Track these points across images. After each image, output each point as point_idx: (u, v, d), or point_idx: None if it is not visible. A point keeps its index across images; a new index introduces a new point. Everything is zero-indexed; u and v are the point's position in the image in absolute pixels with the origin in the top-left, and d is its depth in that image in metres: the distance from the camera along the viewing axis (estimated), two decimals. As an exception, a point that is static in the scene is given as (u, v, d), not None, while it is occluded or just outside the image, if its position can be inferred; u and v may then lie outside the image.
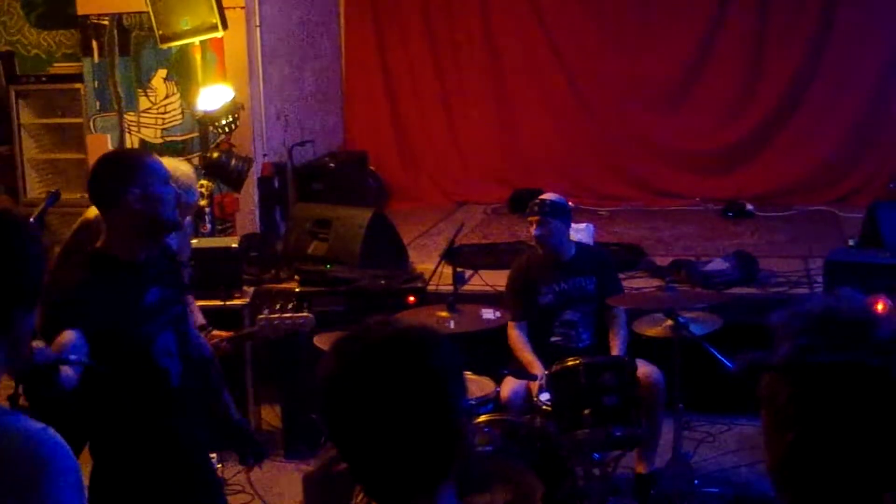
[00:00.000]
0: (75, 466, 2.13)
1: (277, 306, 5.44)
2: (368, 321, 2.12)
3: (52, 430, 2.15)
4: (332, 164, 9.81)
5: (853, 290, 1.90)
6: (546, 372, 5.76)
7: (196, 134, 8.56)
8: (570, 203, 6.62)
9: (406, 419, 1.99)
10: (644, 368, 5.78)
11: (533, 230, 6.24)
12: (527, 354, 6.15)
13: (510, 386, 5.95)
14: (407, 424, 1.99)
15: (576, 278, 6.28)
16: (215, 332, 5.43)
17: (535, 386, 5.89)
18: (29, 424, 2.14)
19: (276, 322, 5.33)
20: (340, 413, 2.03)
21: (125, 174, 3.74)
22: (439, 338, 2.11)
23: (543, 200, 6.27)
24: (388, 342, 2.04)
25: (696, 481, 5.87)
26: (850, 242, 8.09)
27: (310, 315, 5.40)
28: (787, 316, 1.87)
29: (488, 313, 5.72)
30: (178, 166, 5.27)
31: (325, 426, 2.07)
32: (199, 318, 5.54)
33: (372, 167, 10.75)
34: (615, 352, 6.12)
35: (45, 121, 9.34)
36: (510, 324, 6.16)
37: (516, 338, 6.21)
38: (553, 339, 6.24)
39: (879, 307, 5.69)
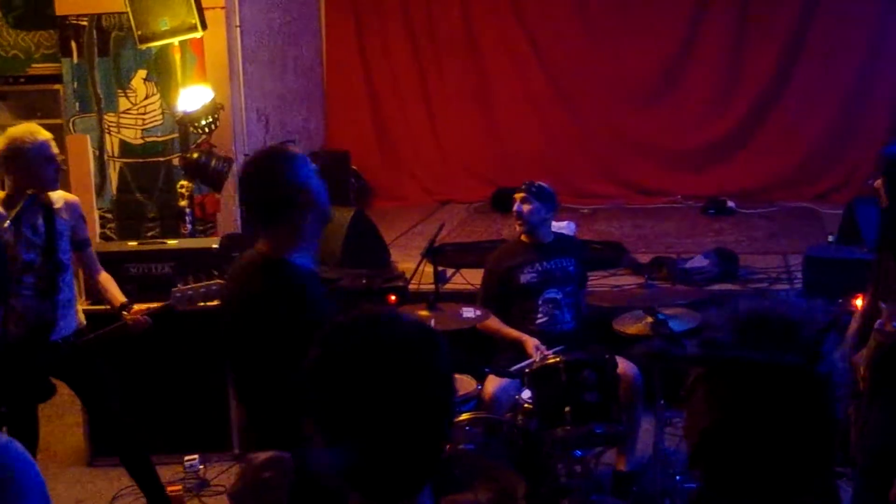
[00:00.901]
0: (40, 479, 2.12)
1: (190, 278, 5.51)
2: (362, 312, 2.05)
3: (16, 444, 2.12)
4: (313, 164, 9.78)
5: (795, 294, 1.97)
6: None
7: (176, 135, 8.55)
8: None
9: (406, 418, 1.95)
10: (621, 366, 5.79)
11: (515, 206, 6.32)
12: (511, 331, 6.18)
13: (494, 384, 5.95)
14: (406, 424, 1.95)
15: (557, 258, 6.35)
16: (136, 307, 5.50)
17: (531, 344, 5.99)
18: None
19: (189, 293, 5.38)
20: (328, 408, 1.97)
21: (297, 172, 3.45)
22: (430, 332, 2.06)
23: (532, 181, 6.41)
24: (394, 342, 1.99)
25: (678, 477, 5.87)
26: (830, 238, 8.12)
27: (221, 281, 5.43)
28: (717, 314, 1.92)
29: (469, 312, 5.72)
30: (30, 129, 5.34)
31: (314, 419, 1.99)
32: (120, 296, 5.60)
33: (354, 167, 10.74)
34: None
35: (24, 122, 9.27)
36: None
37: (495, 321, 6.20)
38: (538, 319, 6.24)
39: (858, 303, 5.73)
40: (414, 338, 2.02)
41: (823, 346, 1.85)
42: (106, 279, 5.69)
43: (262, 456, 2.34)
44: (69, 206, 5.50)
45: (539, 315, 6.26)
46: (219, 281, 5.46)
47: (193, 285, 5.43)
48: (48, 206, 5.39)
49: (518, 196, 6.32)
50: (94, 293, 5.67)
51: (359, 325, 2.02)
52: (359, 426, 1.94)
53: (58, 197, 5.48)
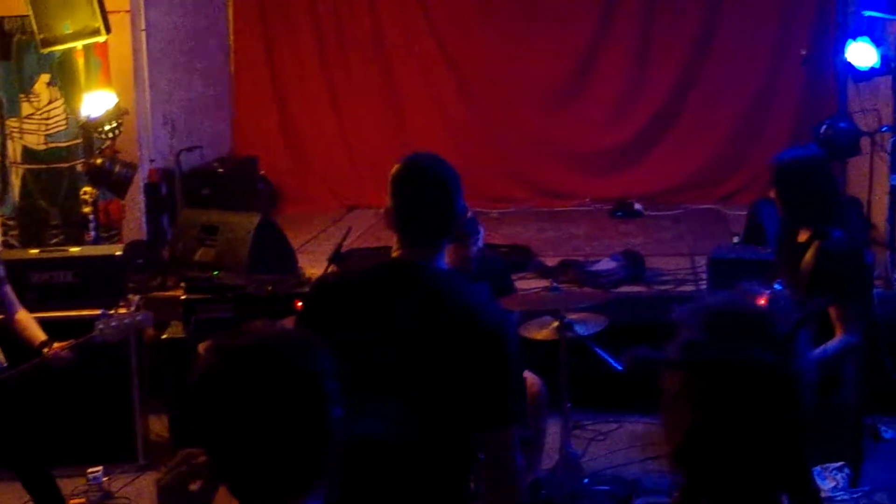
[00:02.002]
0: None
1: (113, 309, 5.35)
2: (247, 326, 2.13)
3: None
4: (220, 170, 9.71)
5: (752, 285, 1.98)
6: None
7: (80, 140, 8.43)
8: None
9: (277, 420, 2.00)
10: (526, 376, 5.78)
11: (471, 251, 5.82)
12: None
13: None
14: (278, 426, 2.00)
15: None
16: (56, 345, 5.29)
17: None
18: None
19: (113, 324, 5.23)
20: (212, 414, 2.03)
21: (459, 185, 3.35)
22: (313, 342, 2.11)
23: (472, 217, 5.84)
24: (261, 345, 2.05)
25: (585, 480, 5.91)
26: (735, 240, 8.24)
27: (149, 312, 5.30)
28: (687, 312, 1.93)
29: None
30: None
31: (197, 427, 2.05)
32: (39, 334, 5.36)
33: (262, 172, 10.66)
34: None
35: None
36: None
37: None
38: None
39: (761, 303, 5.80)
40: (291, 345, 2.08)
41: (797, 340, 1.88)
42: (25, 317, 5.43)
43: (200, 458, 2.33)
44: None
45: None
46: (146, 312, 5.31)
47: (118, 314, 5.25)
48: None
49: (467, 239, 5.75)
50: (12, 333, 5.37)
51: (236, 338, 2.08)
52: (240, 432, 2.00)
53: None
